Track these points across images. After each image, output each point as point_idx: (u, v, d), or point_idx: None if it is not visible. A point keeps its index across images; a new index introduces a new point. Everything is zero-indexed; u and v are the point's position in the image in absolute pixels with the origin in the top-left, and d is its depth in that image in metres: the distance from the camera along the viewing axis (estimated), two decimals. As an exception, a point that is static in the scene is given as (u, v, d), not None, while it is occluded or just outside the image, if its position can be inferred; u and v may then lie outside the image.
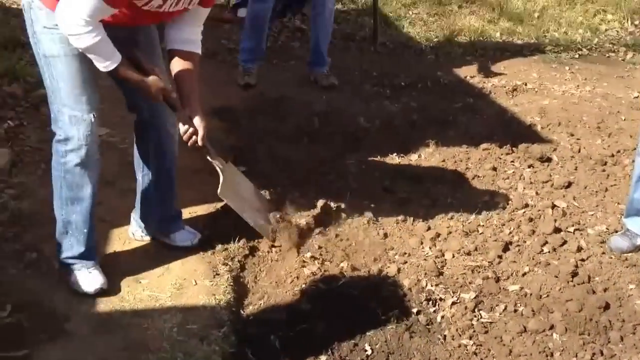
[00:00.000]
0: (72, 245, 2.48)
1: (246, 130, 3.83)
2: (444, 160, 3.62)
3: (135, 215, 2.80)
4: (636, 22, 5.82)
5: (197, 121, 2.39)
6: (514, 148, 3.76)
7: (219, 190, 2.56)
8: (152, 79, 2.26)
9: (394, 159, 3.66)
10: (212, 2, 2.39)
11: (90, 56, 2.16)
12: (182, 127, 2.37)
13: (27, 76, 3.69)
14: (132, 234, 2.82)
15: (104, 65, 2.17)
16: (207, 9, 2.38)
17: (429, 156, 3.70)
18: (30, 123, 3.44)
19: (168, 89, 2.33)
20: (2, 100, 3.53)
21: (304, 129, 3.87)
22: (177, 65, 2.37)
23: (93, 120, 2.32)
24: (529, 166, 3.61)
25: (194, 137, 2.38)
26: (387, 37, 5.25)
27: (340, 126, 3.93)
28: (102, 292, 2.47)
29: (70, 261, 2.49)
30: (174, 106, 2.37)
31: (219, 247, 2.77)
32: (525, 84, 4.70)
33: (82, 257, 2.49)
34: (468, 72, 4.87)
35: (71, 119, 2.29)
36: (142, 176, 2.69)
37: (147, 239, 2.80)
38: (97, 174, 2.44)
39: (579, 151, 3.80)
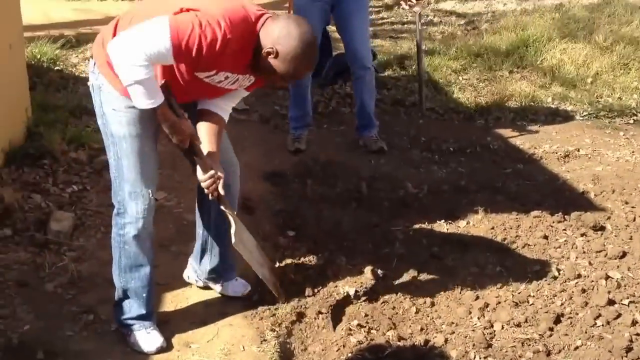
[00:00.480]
0: (131, 308, 2.59)
1: (295, 194, 3.91)
2: (493, 228, 3.60)
3: (192, 261, 2.93)
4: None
5: (217, 171, 2.47)
6: (566, 216, 3.71)
7: (232, 241, 2.60)
8: (185, 122, 2.37)
9: (441, 225, 3.66)
10: (253, 88, 2.55)
11: (137, 91, 2.22)
12: (202, 175, 2.45)
13: (92, 142, 3.89)
14: (187, 277, 2.97)
15: (149, 102, 2.24)
16: (246, 92, 2.56)
17: (477, 223, 3.69)
18: (92, 187, 3.61)
19: (196, 136, 2.44)
20: (68, 166, 3.72)
21: (352, 193, 3.93)
22: (205, 122, 2.48)
23: (151, 195, 2.47)
24: (582, 235, 3.55)
25: (214, 184, 2.45)
26: (436, 102, 5.32)
27: (388, 191, 3.98)
28: (154, 355, 2.53)
29: (129, 322, 2.59)
30: (198, 153, 2.45)
31: (267, 312, 2.81)
32: (578, 150, 4.67)
33: (141, 318, 2.59)
34: (518, 138, 4.88)
35: (130, 194, 2.44)
36: (202, 230, 2.82)
37: (200, 284, 2.93)
38: (152, 242, 2.58)
39: (634, 220, 3.71)
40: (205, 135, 2.46)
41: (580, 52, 6.08)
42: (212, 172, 2.42)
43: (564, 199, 3.96)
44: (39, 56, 5.14)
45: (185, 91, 2.39)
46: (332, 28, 5.09)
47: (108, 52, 2.23)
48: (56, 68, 5.21)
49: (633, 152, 4.68)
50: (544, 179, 4.23)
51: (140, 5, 2.49)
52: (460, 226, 3.66)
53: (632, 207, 3.86)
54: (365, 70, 4.46)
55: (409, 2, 4.70)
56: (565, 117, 5.30)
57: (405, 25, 7.60)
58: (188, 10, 2.20)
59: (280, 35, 2.22)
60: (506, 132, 4.96)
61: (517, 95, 5.46)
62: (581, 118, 5.25)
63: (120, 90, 2.31)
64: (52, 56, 5.23)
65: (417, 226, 3.62)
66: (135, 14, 2.32)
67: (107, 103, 2.38)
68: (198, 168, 2.44)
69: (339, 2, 4.32)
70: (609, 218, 3.73)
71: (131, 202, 2.45)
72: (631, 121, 5.27)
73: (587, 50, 6.14)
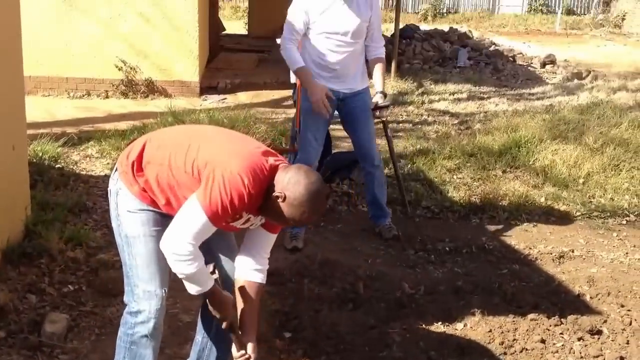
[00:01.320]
0: None
1: (292, 294, 3.90)
2: (490, 330, 3.58)
3: None
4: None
5: (250, 348, 2.54)
6: (562, 319, 3.69)
7: None
8: (228, 303, 2.49)
9: (439, 327, 3.64)
10: (278, 229, 2.67)
11: (188, 280, 2.38)
12: (236, 352, 2.52)
13: (90, 241, 3.92)
14: None
15: (197, 289, 2.40)
16: (274, 236, 2.68)
17: (475, 325, 3.66)
18: (89, 287, 3.61)
19: (236, 319, 2.54)
20: (64, 265, 3.73)
21: (349, 293, 3.92)
22: (242, 292, 2.58)
23: (164, 294, 2.51)
24: (579, 339, 3.53)
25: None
26: (432, 201, 5.40)
27: (384, 292, 3.97)
28: None
29: None
30: (235, 331, 2.52)
31: None
32: (572, 251, 4.70)
33: None
34: (513, 237, 4.92)
35: (145, 294, 2.48)
36: (202, 337, 2.80)
37: None
38: (159, 344, 2.59)
39: (630, 324, 3.70)
40: (242, 309, 2.56)
41: (572, 153, 6.23)
42: (243, 352, 2.52)
43: (560, 301, 3.95)
44: (40, 154, 5.26)
45: None
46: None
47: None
48: (57, 166, 5.30)
49: (627, 253, 4.72)
50: (540, 280, 4.23)
51: (165, 134, 2.68)
52: (458, 329, 3.64)
53: (628, 310, 3.86)
54: (376, 168, 4.69)
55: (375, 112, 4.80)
56: (558, 217, 5.36)
57: (401, 125, 7.81)
58: (206, 165, 2.37)
59: (289, 182, 2.37)
60: (501, 232, 5.01)
61: (511, 194, 5.55)
62: (574, 218, 5.31)
63: (136, 194, 2.45)
64: (53, 154, 5.35)
65: (414, 328, 3.60)
66: (162, 143, 2.51)
67: (122, 205, 2.49)
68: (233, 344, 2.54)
69: (345, 102, 4.51)
70: (605, 321, 3.72)
71: (144, 302, 2.48)
72: (624, 222, 5.33)
73: (578, 151, 6.29)
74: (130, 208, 2.48)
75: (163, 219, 2.47)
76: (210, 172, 2.34)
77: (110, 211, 2.56)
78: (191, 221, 2.31)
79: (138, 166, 2.46)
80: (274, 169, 2.43)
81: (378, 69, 4.58)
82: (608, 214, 5.41)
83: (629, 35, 21.58)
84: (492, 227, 5.09)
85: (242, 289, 2.57)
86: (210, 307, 2.47)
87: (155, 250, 2.47)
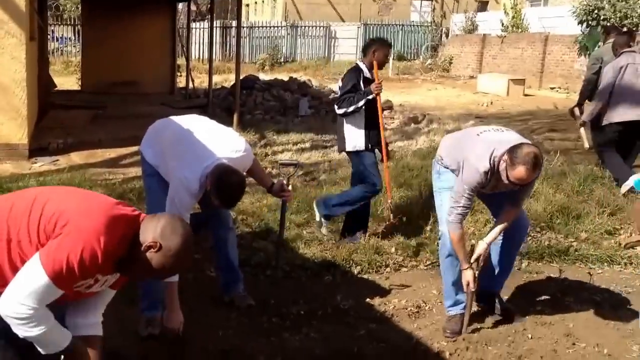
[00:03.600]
0: None
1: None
2: (353, 405, 3.36)
3: None
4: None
5: None
6: (423, 383, 3.57)
7: None
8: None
9: (298, 408, 3.36)
10: (120, 285, 2.53)
11: (38, 343, 2.21)
12: None
13: None
14: None
15: (51, 349, 2.25)
16: (114, 292, 2.52)
17: (337, 400, 3.44)
18: None
19: None
20: None
21: (197, 377, 3.54)
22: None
23: None
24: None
25: None
26: (282, 260, 5.13)
27: (239, 370, 3.63)
28: None
29: None
30: None
31: None
32: (425, 302, 4.64)
33: None
34: (367, 293, 4.78)
35: None
36: None
37: None
38: None
39: (491, 378, 3.66)
40: None
41: (418, 201, 6.29)
42: None
43: (419, 361, 3.84)
44: None
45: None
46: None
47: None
48: None
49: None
50: (399, 340, 4.10)
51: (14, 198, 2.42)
52: (319, 406, 3.38)
53: (488, 365, 3.82)
54: (229, 231, 4.37)
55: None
56: (409, 266, 5.32)
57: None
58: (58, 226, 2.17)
59: (164, 231, 2.24)
60: (354, 289, 4.85)
61: (362, 247, 5.44)
62: (425, 268, 5.29)
63: None
64: None
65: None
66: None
67: None
68: None
69: None
70: (467, 380, 3.65)
71: None
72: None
73: (423, 199, 6.36)
74: None
75: None
76: (59, 228, 2.13)
77: None
78: (30, 282, 2.12)
79: None
80: (135, 219, 2.28)
81: None
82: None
83: (457, 78, 23.27)
84: (345, 284, 4.93)
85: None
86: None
87: None
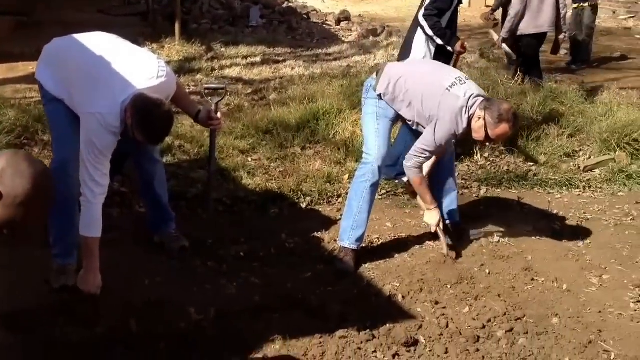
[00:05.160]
0: None
1: (41, 343, 2.99)
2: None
3: None
4: (486, 155, 5.67)
5: None
6: (374, 331, 3.20)
7: None
8: None
9: (233, 365, 2.96)
10: None
11: None
12: None
13: None
14: None
15: None
16: None
17: (276, 354, 3.04)
18: None
19: None
20: None
21: (116, 334, 3.08)
22: None
23: None
24: (394, 356, 3.06)
25: None
26: (223, 192, 4.64)
27: (165, 325, 3.18)
28: None
29: None
30: None
31: None
32: (379, 239, 4.25)
33: None
34: (316, 228, 4.35)
35: None
36: None
37: None
38: None
39: (447, 326, 3.31)
40: None
41: (372, 123, 5.77)
42: None
43: (370, 307, 3.46)
44: None
45: None
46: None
47: None
48: None
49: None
50: (348, 282, 3.71)
51: None
52: (255, 359, 2.99)
53: (443, 308, 3.48)
54: (155, 163, 3.80)
55: None
56: (363, 196, 4.88)
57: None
58: None
59: (3, 175, 1.81)
60: (302, 224, 4.40)
61: (312, 176, 4.97)
62: (380, 197, 4.84)
63: None
64: None
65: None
66: None
67: None
68: None
69: None
70: (420, 327, 3.31)
71: None
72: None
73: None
74: None
75: None
76: None
77: None
78: None
79: None
80: None
81: None
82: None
83: (417, -12, 22.27)
84: (293, 219, 4.48)
85: None
86: None
87: None
